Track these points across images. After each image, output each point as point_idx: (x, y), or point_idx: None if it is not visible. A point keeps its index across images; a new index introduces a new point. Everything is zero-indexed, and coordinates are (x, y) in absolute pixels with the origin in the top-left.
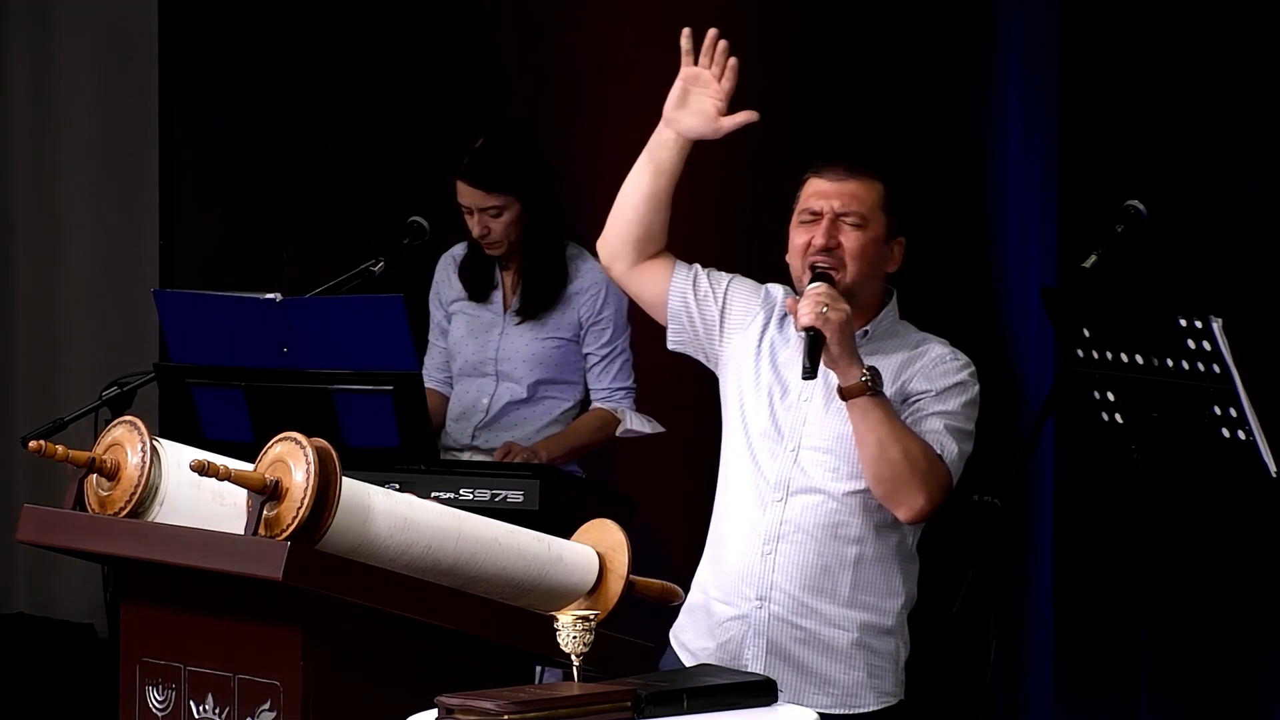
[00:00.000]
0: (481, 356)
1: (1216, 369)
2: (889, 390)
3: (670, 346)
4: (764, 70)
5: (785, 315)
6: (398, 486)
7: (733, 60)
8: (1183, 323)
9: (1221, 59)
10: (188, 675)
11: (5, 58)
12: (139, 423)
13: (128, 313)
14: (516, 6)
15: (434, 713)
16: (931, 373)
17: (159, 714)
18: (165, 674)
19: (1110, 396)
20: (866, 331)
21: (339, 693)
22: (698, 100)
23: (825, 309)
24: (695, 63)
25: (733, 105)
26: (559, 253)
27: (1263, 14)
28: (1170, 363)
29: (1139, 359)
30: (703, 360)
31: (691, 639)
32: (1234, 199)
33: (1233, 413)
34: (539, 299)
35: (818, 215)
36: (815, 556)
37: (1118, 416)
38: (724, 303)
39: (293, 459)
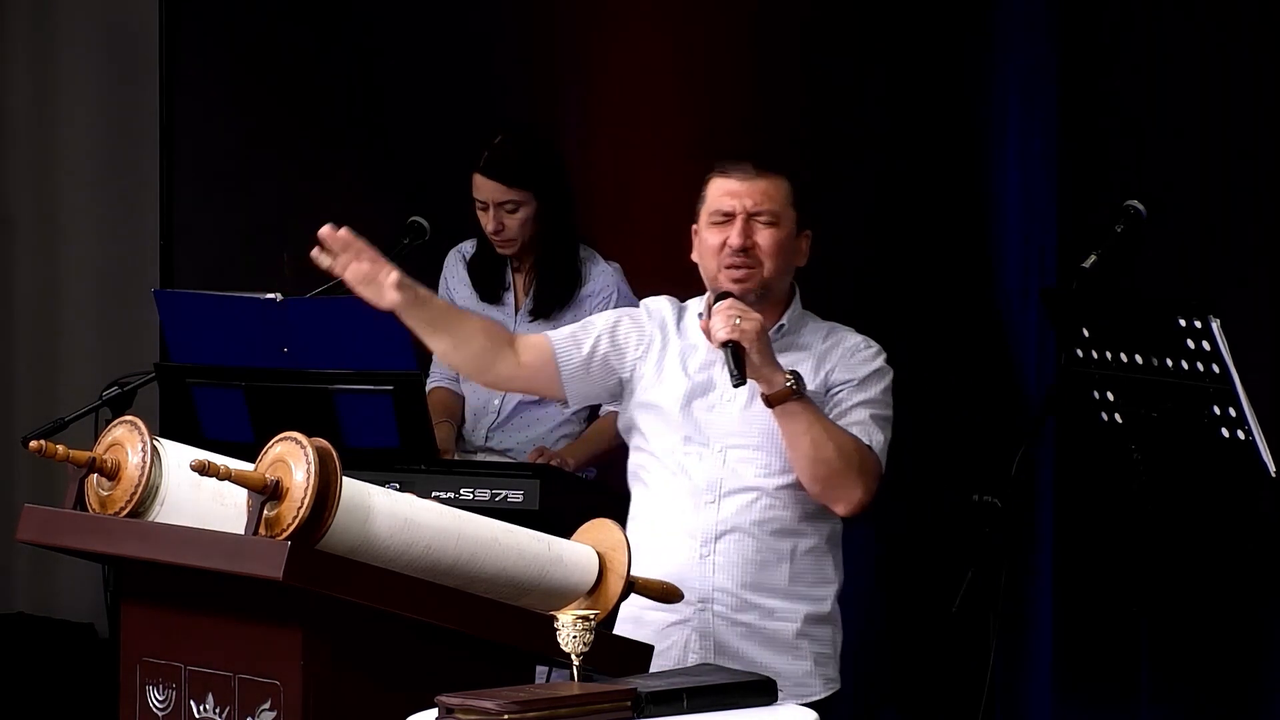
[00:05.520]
0: None
1: (1216, 369)
2: (813, 382)
3: (572, 405)
4: (765, 72)
5: (681, 322)
6: (398, 486)
7: (341, 234)
8: (1182, 323)
9: (1221, 59)
10: (188, 675)
11: (5, 58)
12: (139, 423)
13: (128, 313)
14: (516, 7)
15: (434, 713)
16: (849, 362)
17: (159, 714)
18: (165, 674)
19: (1110, 396)
20: (782, 325)
21: (339, 693)
22: (374, 291)
23: (739, 320)
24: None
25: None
26: (573, 254)
27: (1262, 14)
28: (1170, 363)
29: (1139, 359)
30: (608, 402)
31: None
32: (1234, 199)
33: (1232, 412)
34: (553, 299)
35: (730, 215)
36: (754, 553)
37: (1118, 416)
38: (614, 341)
39: (293, 459)
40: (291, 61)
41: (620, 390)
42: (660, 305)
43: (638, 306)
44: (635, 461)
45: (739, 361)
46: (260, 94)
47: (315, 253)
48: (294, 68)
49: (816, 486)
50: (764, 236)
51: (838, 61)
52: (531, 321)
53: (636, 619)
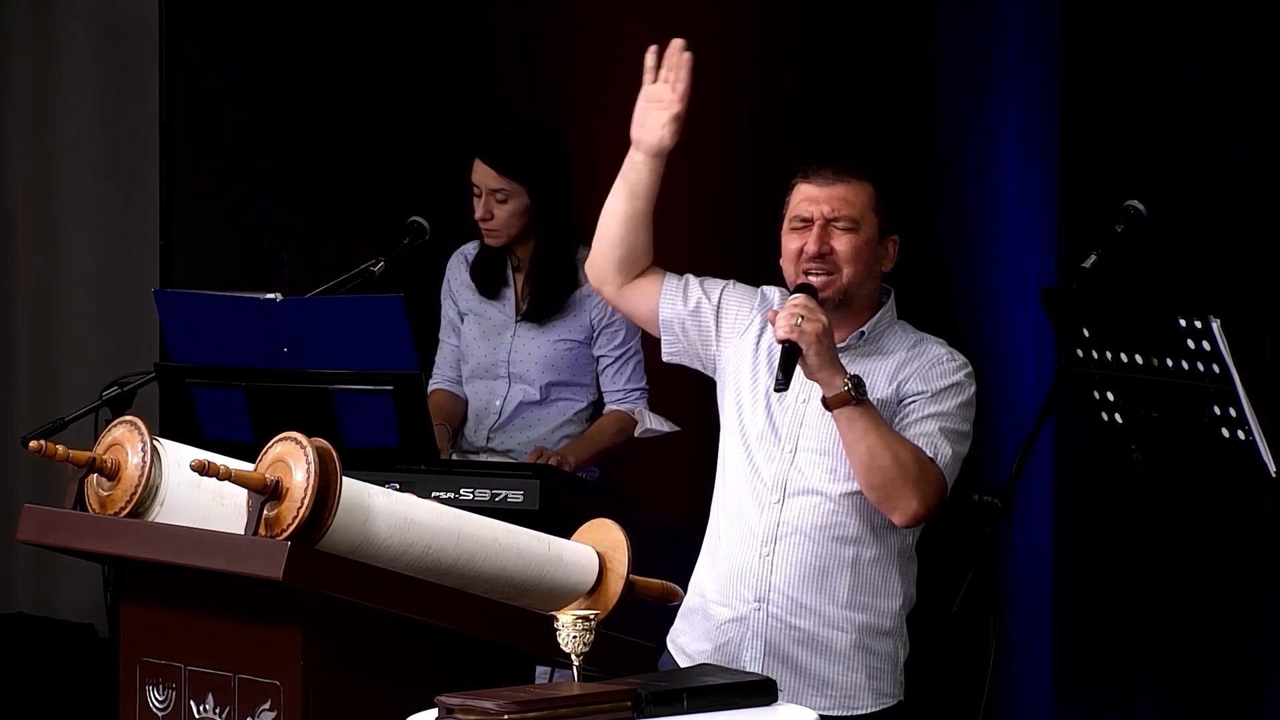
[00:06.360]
0: (494, 359)
1: (1216, 369)
2: (886, 391)
3: (665, 358)
4: (765, 72)
5: None
6: (398, 486)
7: (686, 56)
8: (1183, 323)
9: (1221, 59)
10: (188, 675)
11: (5, 56)
12: (139, 423)
13: (128, 313)
14: (517, 7)
15: (434, 713)
16: (928, 374)
17: (159, 714)
18: (165, 674)
19: (1110, 396)
20: (863, 333)
21: (339, 693)
22: (655, 117)
23: (801, 320)
24: (655, 79)
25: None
26: (570, 255)
27: (1262, 14)
28: (1170, 363)
29: (1139, 359)
30: (699, 368)
31: (689, 642)
32: (1234, 199)
33: (1232, 412)
34: (545, 302)
35: (808, 221)
36: (813, 558)
37: (1118, 416)
38: (718, 309)
39: (293, 459)
40: (292, 61)
41: (714, 365)
42: (773, 295)
43: None
44: (720, 453)
45: (788, 364)
46: (260, 94)
47: (650, 50)
48: (294, 68)
49: (873, 494)
50: (841, 242)
51: (837, 61)
52: (527, 323)
53: (702, 611)
